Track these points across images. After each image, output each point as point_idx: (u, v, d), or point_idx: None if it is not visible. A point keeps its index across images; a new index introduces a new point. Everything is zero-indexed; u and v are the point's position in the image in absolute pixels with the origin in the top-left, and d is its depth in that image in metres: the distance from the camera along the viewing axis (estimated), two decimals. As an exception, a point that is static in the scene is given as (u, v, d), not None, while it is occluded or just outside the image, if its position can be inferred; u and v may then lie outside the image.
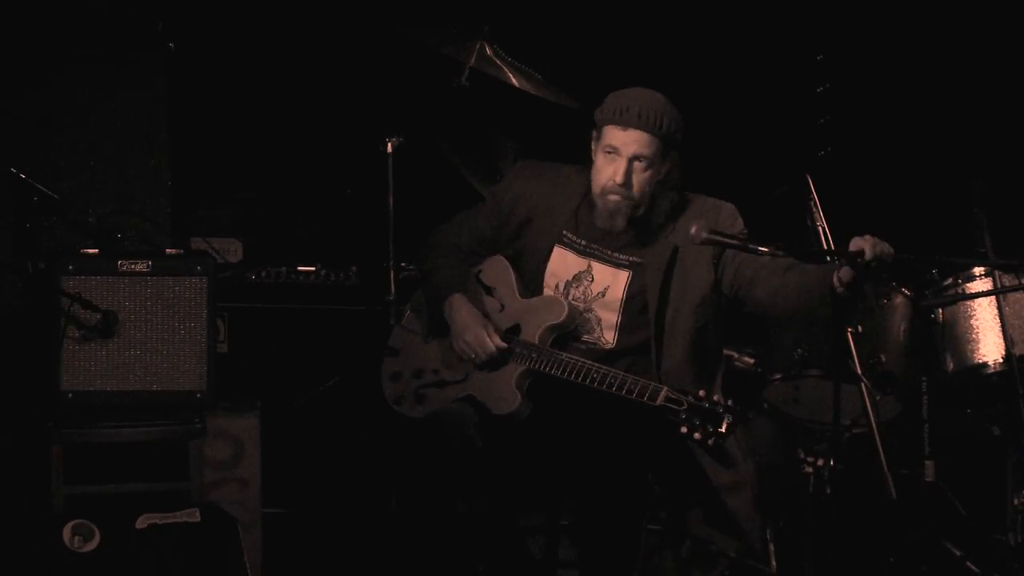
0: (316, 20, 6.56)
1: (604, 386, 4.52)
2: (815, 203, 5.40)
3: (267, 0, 6.55)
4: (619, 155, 4.61)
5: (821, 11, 6.48)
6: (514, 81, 5.72)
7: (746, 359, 5.79)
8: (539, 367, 4.65)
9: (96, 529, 4.80)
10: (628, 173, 4.60)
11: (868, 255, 4.27)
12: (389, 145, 5.68)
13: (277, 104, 6.58)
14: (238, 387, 5.47)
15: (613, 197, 4.63)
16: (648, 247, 4.71)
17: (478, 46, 5.73)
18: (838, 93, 6.40)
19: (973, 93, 6.44)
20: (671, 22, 6.60)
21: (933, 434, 5.29)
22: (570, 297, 4.74)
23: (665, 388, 4.43)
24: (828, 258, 4.65)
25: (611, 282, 4.72)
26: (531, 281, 4.80)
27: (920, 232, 6.22)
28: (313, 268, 5.99)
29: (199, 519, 4.89)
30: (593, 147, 4.70)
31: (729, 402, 4.36)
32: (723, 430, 4.33)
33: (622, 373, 4.53)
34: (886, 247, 4.29)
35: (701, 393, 4.37)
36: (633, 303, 4.71)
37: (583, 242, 4.75)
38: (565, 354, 4.64)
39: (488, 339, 4.72)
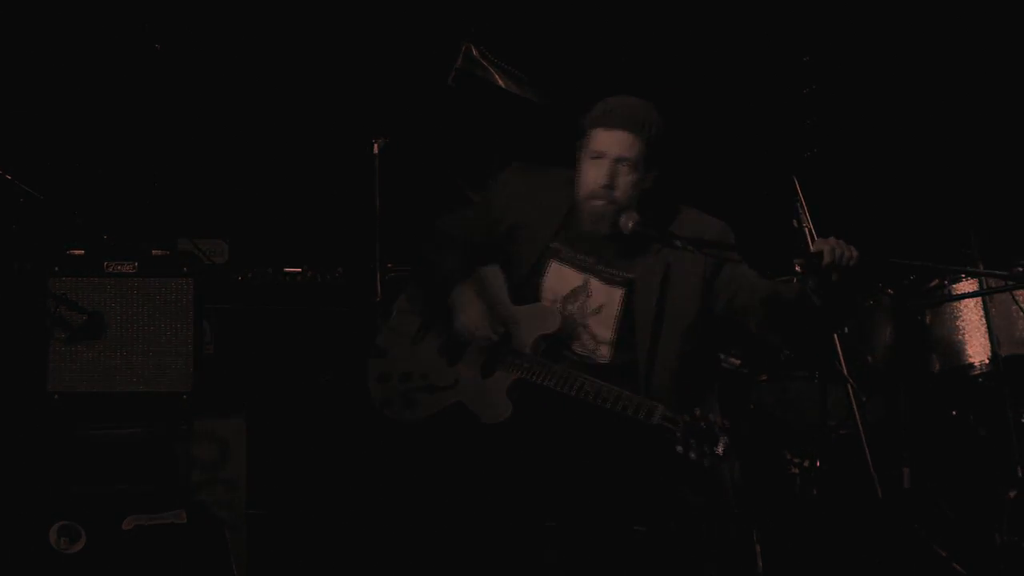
0: (304, 20, 6.55)
1: (598, 401, 4.49)
2: (802, 205, 5.41)
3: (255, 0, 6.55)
4: (604, 157, 4.58)
5: (807, 12, 6.49)
6: (500, 82, 5.72)
7: (733, 360, 5.80)
8: (532, 377, 4.63)
9: (82, 530, 4.79)
10: (613, 175, 4.58)
11: (827, 258, 4.26)
12: (375, 146, 5.67)
13: (264, 105, 6.57)
14: (224, 388, 5.46)
15: (597, 202, 4.60)
16: (640, 261, 4.68)
17: (464, 48, 5.73)
18: (824, 94, 6.40)
19: (962, 93, 6.45)
20: (658, 24, 6.60)
21: (918, 436, 5.30)
22: (565, 312, 4.71)
23: (661, 406, 4.40)
24: (798, 267, 4.62)
25: (606, 300, 4.69)
26: (526, 292, 4.78)
27: (907, 233, 6.26)
28: (299, 269, 5.98)
29: (185, 520, 4.88)
30: (578, 155, 4.68)
31: (726, 423, 4.33)
32: (719, 451, 4.31)
33: (617, 389, 4.49)
34: (849, 251, 4.27)
35: (696, 413, 4.34)
36: (628, 321, 4.68)
37: (580, 256, 4.72)
38: (559, 366, 4.62)
39: (484, 324, 4.70)
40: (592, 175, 4.59)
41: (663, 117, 4.62)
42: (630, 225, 4.49)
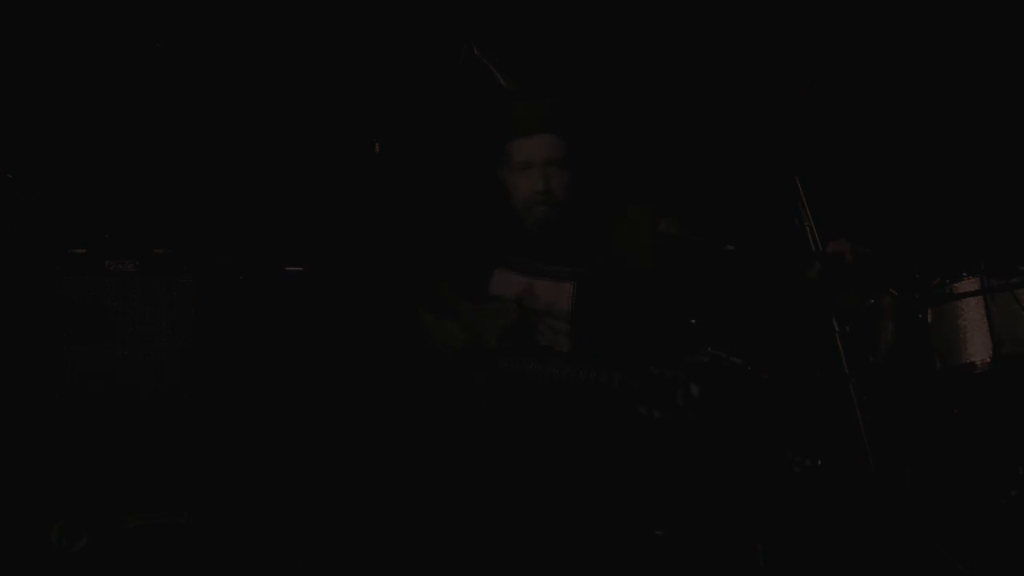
0: (304, 19, 6.56)
1: (561, 383, 4.52)
2: (803, 203, 5.40)
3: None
4: (532, 165, 4.59)
5: (807, 12, 6.49)
6: (502, 82, 5.71)
7: (734, 359, 5.79)
8: (502, 368, 4.65)
9: (84, 529, 4.79)
10: (547, 179, 4.58)
11: (849, 260, 4.28)
12: (377, 146, 5.68)
13: (265, 104, 6.57)
14: (225, 388, 5.47)
15: (539, 208, 4.62)
16: (586, 253, 4.69)
17: (464, 46, 5.73)
18: (825, 93, 6.40)
19: (964, 90, 6.45)
20: (658, 23, 6.60)
21: (919, 435, 5.29)
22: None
23: (617, 372, 4.42)
24: (809, 261, 4.64)
25: (554, 297, 4.71)
26: (479, 299, 4.82)
27: (910, 231, 6.25)
28: (301, 268, 5.99)
29: (187, 519, 4.89)
30: (502, 173, 4.69)
31: (684, 376, 4.33)
32: (680, 403, 4.31)
33: (574, 367, 4.51)
34: (865, 250, 4.28)
35: (654, 370, 4.34)
36: (582, 313, 4.69)
37: (520, 260, 4.73)
38: (523, 358, 4.65)
39: (450, 339, 4.73)
40: (526, 185, 4.61)
41: (582, 113, 4.64)
42: (672, 231, 4.49)
